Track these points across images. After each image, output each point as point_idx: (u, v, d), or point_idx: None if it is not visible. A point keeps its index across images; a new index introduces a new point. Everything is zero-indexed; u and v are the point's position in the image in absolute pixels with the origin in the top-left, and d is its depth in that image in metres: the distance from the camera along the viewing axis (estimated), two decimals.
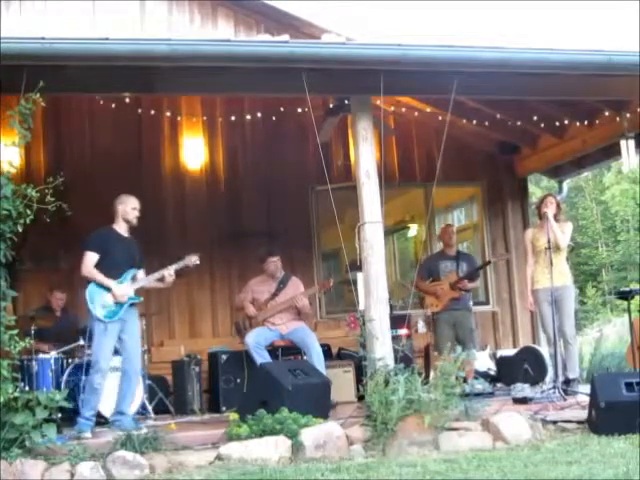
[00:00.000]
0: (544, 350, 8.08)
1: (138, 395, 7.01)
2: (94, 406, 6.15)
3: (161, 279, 6.42)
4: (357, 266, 6.51)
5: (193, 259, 6.46)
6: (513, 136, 9.72)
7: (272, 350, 7.44)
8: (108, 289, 6.17)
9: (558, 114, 8.74)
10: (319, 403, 6.04)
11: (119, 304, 6.19)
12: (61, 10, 8.11)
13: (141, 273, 6.46)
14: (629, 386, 5.76)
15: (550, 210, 7.10)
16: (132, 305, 6.33)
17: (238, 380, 7.79)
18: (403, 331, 7.58)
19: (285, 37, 6.65)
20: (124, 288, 6.23)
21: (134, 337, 6.35)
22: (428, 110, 9.25)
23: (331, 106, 7.73)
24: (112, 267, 6.24)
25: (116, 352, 6.94)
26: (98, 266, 6.22)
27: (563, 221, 7.34)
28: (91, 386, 6.13)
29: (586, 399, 6.12)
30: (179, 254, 6.53)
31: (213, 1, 8.89)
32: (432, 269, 8.13)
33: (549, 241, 6.95)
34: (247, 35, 8.76)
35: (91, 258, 6.22)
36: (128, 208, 6.34)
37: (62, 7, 8.13)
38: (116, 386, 6.39)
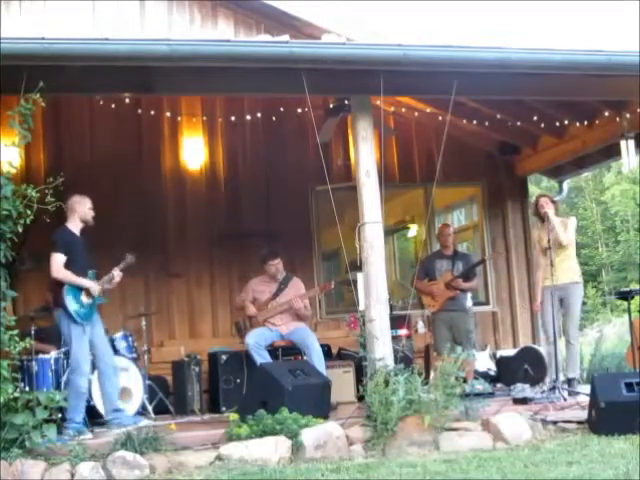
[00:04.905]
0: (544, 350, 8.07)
1: (137, 394, 7.01)
2: (82, 409, 6.11)
3: (111, 280, 6.37)
4: (357, 266, 6.50)
5: (131, 257, 6.45)
6: (513, 136, 9.71)
7: (272, 350, 7.44)
8: (81, 289, 6.12)
9: (558, 114, 8.73)
10: (319, 403, 6.04)
11: (90, 305, 6.16)
12: (61, 10, 8.09)
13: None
14: (629, 386, 5.77)
15: (550, 210, 7.14)
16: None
17: (238, 380, 7.79)
18: (403, 331, 7.58)
19: (285, 37, 6.64)
20: (97, 285, 6.22)
21: (100, 336, 6.32)
22: (428, 110, 9.24)
23: (331, 106, 7.73)
24: (78, 268, 6.16)
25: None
26: (65, 268, 6.12)
27: (565, 217, 7.39)
28: (78, 391, 6.04)
29: (586, 399, 6.12)
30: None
31: (213, 1, 8.86)
32: (428, 268, 8.08)
33: (549, 240, 7.00)
34: (247, 35, 8.74)
35: (60, 260, 6.10)
36: (86, 208, 6.28)
37: (62, 7, 8.11)
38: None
